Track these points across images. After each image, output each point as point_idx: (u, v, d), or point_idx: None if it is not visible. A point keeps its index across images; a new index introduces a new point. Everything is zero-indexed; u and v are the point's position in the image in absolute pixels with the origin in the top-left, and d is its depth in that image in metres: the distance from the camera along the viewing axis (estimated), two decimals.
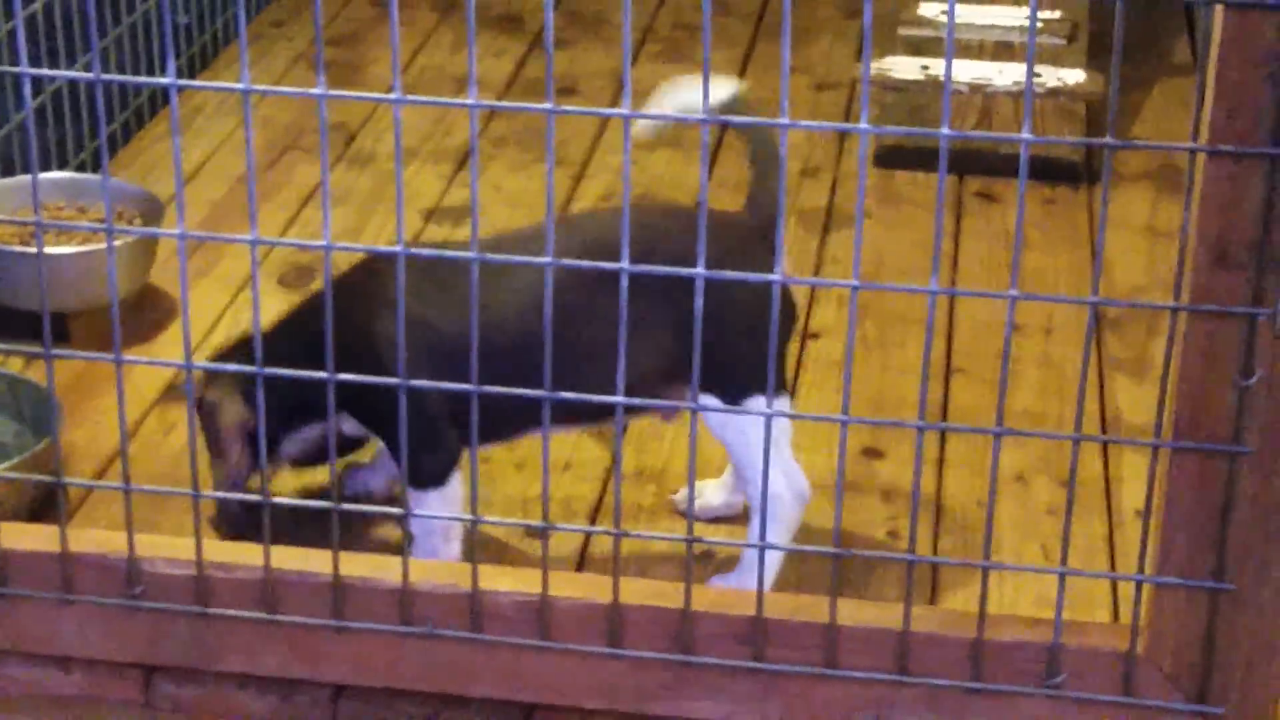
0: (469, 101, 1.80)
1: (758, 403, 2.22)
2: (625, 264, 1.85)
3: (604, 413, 2.18)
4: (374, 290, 2.27)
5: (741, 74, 3.88)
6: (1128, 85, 3.78)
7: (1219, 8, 1.70)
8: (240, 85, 1.83)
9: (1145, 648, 1.93)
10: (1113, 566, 2.44)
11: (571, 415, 2.22)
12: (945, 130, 1.75)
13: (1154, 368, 2.84)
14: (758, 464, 2.00)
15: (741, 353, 2.21)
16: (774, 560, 2.29)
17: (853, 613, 2.01)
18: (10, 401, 2.58)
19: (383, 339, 2.22)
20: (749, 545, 2.13)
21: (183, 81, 1.83)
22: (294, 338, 2.28)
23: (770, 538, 2.25)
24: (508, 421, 2.29)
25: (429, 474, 2.29)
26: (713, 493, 2.52)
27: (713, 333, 1.98)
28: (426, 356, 2.21)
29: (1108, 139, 1.72)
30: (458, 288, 2.22)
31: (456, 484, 2.30)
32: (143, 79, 1.85)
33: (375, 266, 2.32)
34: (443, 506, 2.29)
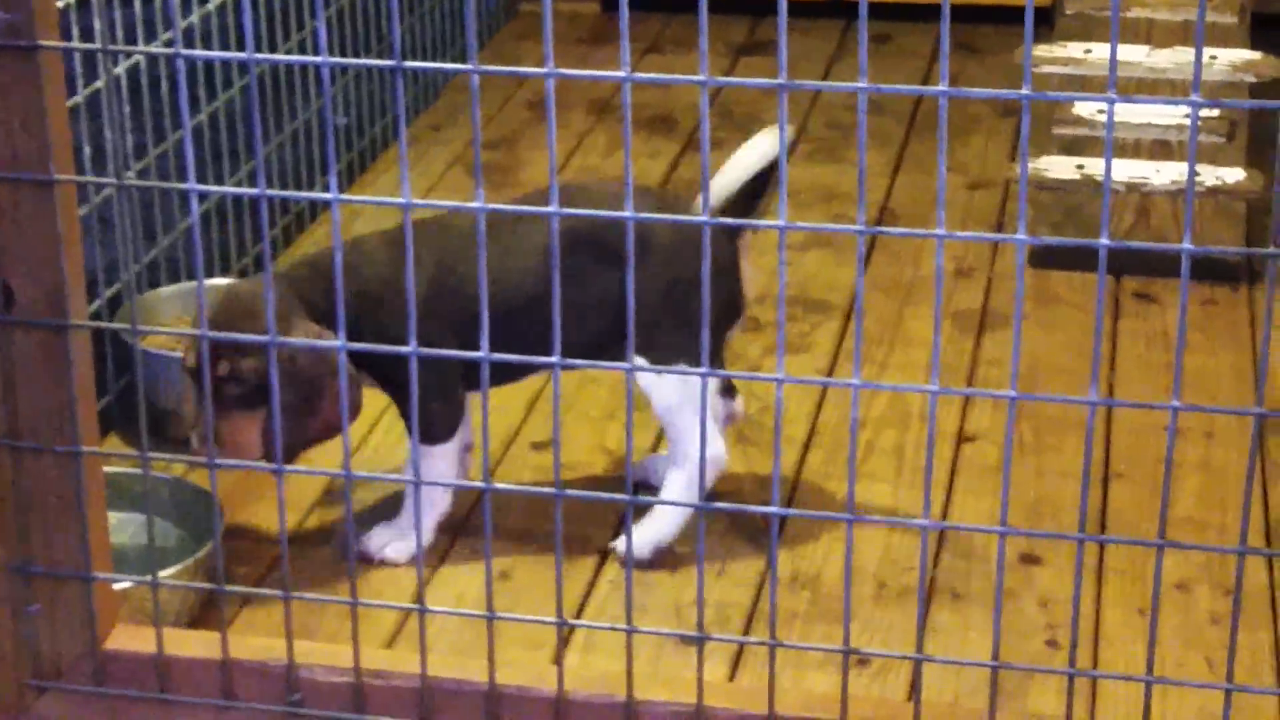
0: (627, 214, 1.82)
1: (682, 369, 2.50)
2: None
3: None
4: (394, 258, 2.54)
5: (895, 174, 3.88)
6: None
7: None
8: (401, 200, 1.86)
9: None
10: (1279, 679, 2.38)
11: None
12: (1105, 240, 1.74)
13: None
14: (678, 425, 2.56)
15: (672, 322, 2.50)
16: (682, 514, 2.64)
17: None
18: (171, 506, 2.62)
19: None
20: (910, 657, 2.11)
21: (344, 196, 1.86)
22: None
23: (684, 494, 2.59)
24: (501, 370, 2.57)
25: (440, 432, 2.57)
26: (662, 464, 2.74)
27: (651, 303, 2.46)
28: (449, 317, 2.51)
29: (1272, 248, 1.70)
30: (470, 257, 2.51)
31: (457, 438, 2.60)
32: (305, 194, 1.88)
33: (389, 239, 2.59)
34: (444, 460, 2.57)
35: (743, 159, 2.57)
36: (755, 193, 2.57)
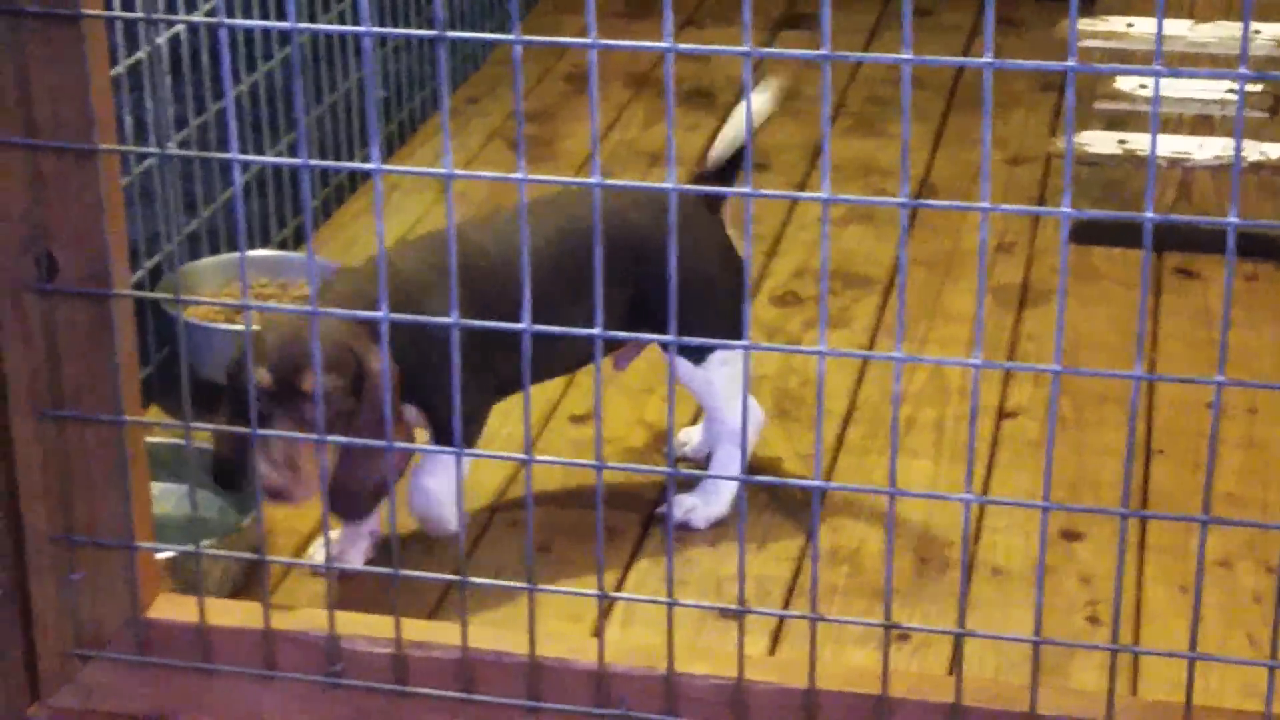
0: (668, 186, 1.81)
1: (718, 356, 2.55)
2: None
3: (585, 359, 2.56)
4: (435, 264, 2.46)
5: (935, 148, 3.87)
6: None
7: None
8: (443, 170, 1.86)
9: None
10: None
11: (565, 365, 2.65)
12: (1149, 214, 1.73)
13: None
14: (723, 404, 2.58)
15: (700, 313, 2.43)
16: (732, 486, 2.63)
17: (1053, 701, 1.97)
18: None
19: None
20: (951, 632, 2.10)
21: (386, 167, 1.85)
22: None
23: (734, 465, 2.61)
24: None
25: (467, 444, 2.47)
26: (694, 435, 2.79)
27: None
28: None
29: None
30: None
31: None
32: (347, 164, 1.88)
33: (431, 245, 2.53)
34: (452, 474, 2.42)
35: (730, 128, 2.59)
36: (735, 161, 2.56)
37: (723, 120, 3.98)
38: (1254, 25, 3.44)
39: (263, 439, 2.23)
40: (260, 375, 2.27)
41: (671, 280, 1.83)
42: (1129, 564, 2.55)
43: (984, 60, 1.71)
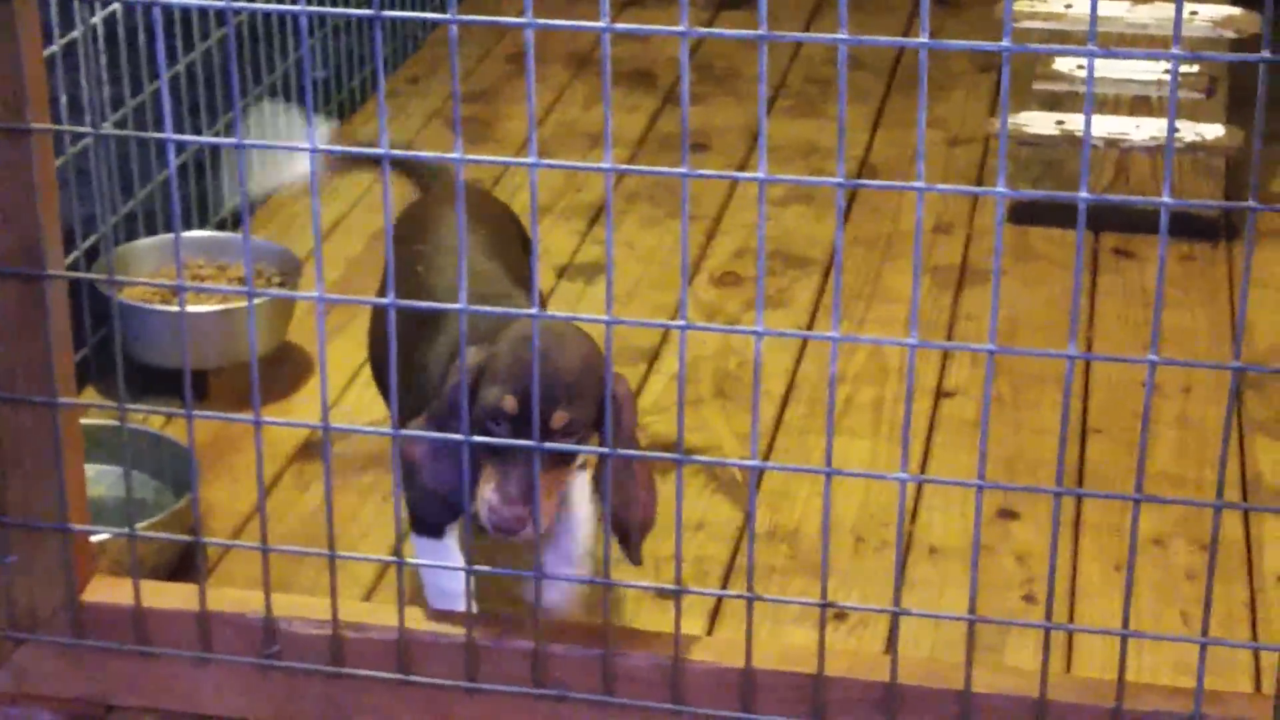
0: (604, 166, 1.81)
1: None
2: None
3: None
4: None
5: (874, 129, 3.87)
6: (1268, 139, 3.73)
7: None
8: (380, 150, 1.85)
9: None
10: (1254, 633, 2.39)
11: None
12: (1084, 194, 1.74)
13: None
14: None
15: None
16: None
17: (988, 679, 1.98)
18: (151, 459, 2.61)
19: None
20: (887, 610, 2.11)
21: (322, 147, 1.85)
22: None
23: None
24: None
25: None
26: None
27: None
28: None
29: (1250, 202, 1.70)
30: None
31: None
32: (283, 144, 1.87)
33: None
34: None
35: None
36: None
37: (663, 101, 3.99)
38: (1191, 6, 3.46)
39: (503, 470, 1.99)
40: (507, 401, 2.01)
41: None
42: (1065, 542, 2.56)
43: (920, 41, 1.71)
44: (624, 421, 2.05)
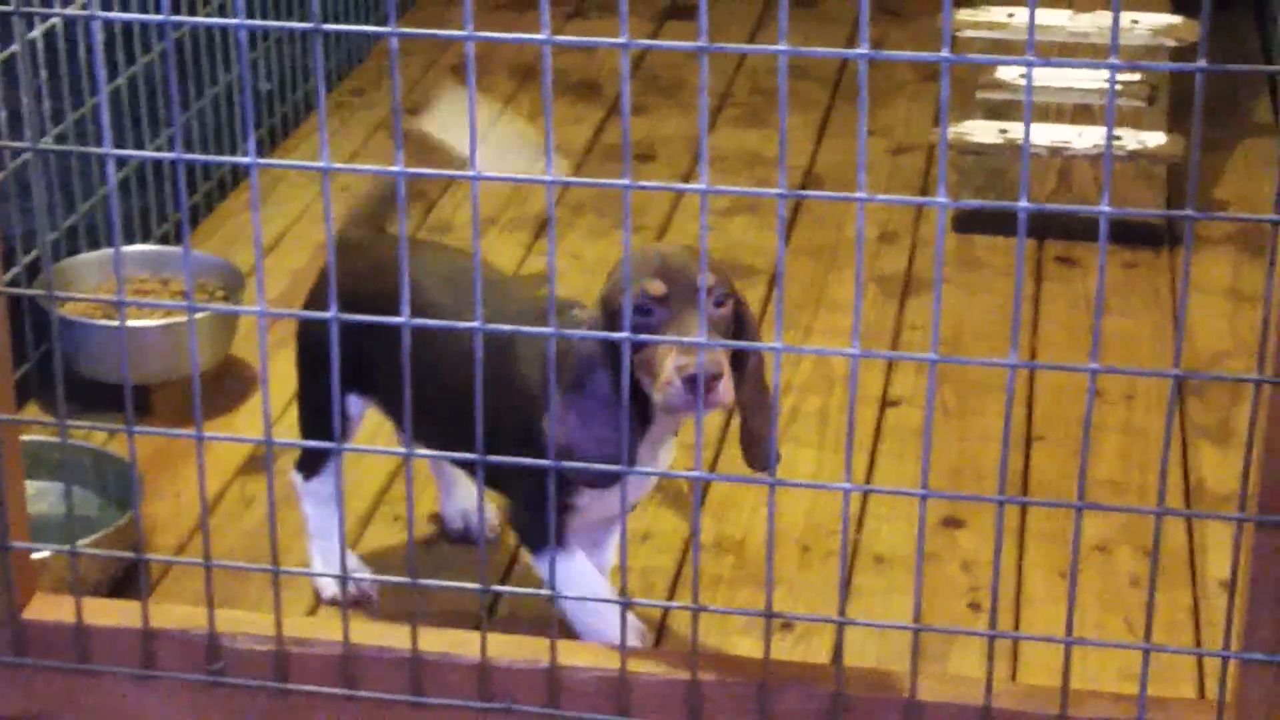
0: (547, 178, 1.81)
1: None
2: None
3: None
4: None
5: (819, 139, 3.88)
6: (1209, 146, 3.76)
7: None
8: (320, 164, 1.85)
9: None
10: (1198, 639, 2.40)
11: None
12: (1024, 203, 1.75)
13: (1238, 434, 2.81)
14: None
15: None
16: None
17: (934, 688, 1.99)
18: (94, 475, 2.60)
19: None
20: (832, 620, 2.11)
21: (263, 160, 1.84)
22: None
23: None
24: None
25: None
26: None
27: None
28: None
29: (1189, 211, 1.71)
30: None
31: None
32: (222, 158, 1.86)
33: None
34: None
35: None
36: None
37: (608, 112, 3.99)
38: (1132, 15, 3.48)
39: (694, 348, 1.97)
40: (651, 285, 2.02)
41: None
42: (1010, 550, 2.57)
43: (860, 52, 1.72)
44: (749, 322, 2.11)
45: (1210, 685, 2.28)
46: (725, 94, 4.08)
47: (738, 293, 2.10)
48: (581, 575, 2.20)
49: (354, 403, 2.38)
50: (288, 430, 2.84)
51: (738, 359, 2.07)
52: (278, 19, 3.85)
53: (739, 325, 2.11)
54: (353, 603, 2.39)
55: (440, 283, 2.31)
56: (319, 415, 2.36)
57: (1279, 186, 1.72)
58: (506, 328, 1.95)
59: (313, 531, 2.46)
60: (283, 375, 2.96)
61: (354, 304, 2.18)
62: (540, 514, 2.04)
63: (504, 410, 2.12)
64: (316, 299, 2.41)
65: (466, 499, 2.60)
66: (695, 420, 1.95)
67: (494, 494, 2.41)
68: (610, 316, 2.07)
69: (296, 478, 2.46)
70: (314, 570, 2.45)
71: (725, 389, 1.99)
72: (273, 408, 2.68)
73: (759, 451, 2.14)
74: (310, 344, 2.39)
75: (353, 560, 2.47)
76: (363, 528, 2.64)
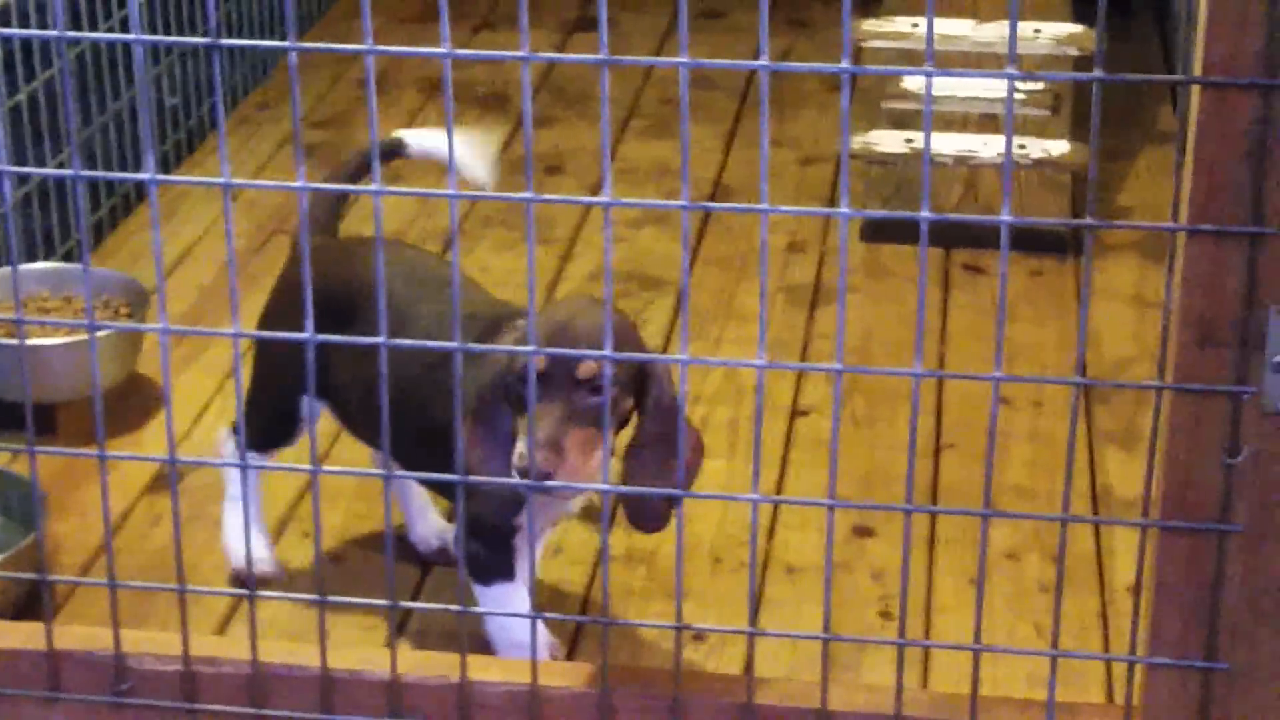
0: (450, 192, 1.80)
1: None
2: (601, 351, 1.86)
3: None
4: None
5: (727, 149, 3.89)
6: (1111, 155, 3.79)
7: (1197, 86, 1.70)
8: (220, 179, 1.83)
9: None
10: (1106, 643, 2.42)
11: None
12: (926, 213, 1.75)
13: (1143, 439, 2.84)
14: None
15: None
16: None
17: (845, 697, 1.99)
18: None
19: None
20: (743, 631, 2.11)
21: (161, 177, 1.82)
22: None
23: None
24: None
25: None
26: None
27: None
28: None
29: (1088, 219, 1.72)
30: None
31: None
32: (121, 175, 1.84)
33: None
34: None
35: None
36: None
37: (517, 124, 3.99)
38: (1035, 24, 3.50)
39: (534, 421, 2.01)
40: (537, 360, 2.01)
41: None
42: (920, 558, 2.58)
43: (761, 64, 1.72)
44: (660, 391, 2.13)
45: (1118, 690, 2.30)
46: (633, 105, 4.09)
47: (633, 370, 2.12)
48: (517, 607, 2.24)
49: (307, 404, 2.38)
50: (193, 448, 2.82)
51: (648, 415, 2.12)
52: (180, 34, 3.82)
53: (640, 391, 2.12)
54: (261, 582, 2.47)
55: (396, 279, 2.32)
56: (268, 410, 2.42)
57: (1175, 196, 1.74)
58: (477, 346, 1.99)
59: (232, 494, 2.49)
60: (189, 392, 2.95)
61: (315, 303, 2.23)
62: (488, 542, 2.16)
63: (447, 419, 2.13)
64: (277, 302, 2.45)
65: (438, 519, 2.61)
66: (603, 434, 1.94)
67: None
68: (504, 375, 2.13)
69: (228, 440, 2.47)
70: (227, 540, 2.50)
71: (567, 477, 2.03)
72: (178, 425, 2.67)
73: (637, 508, 2.16)
74: (267, 343, 2.39)
75: (265, 541, 2.51)
76: (274, 541, 2.62)
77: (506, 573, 2.25)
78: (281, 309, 2.41)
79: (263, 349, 2.47)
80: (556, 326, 2.12)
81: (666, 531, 2.64)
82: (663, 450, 2.13)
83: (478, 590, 2.26)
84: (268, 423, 2.43)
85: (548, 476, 2.02)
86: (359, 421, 2.39)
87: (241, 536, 2.46)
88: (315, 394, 2.33)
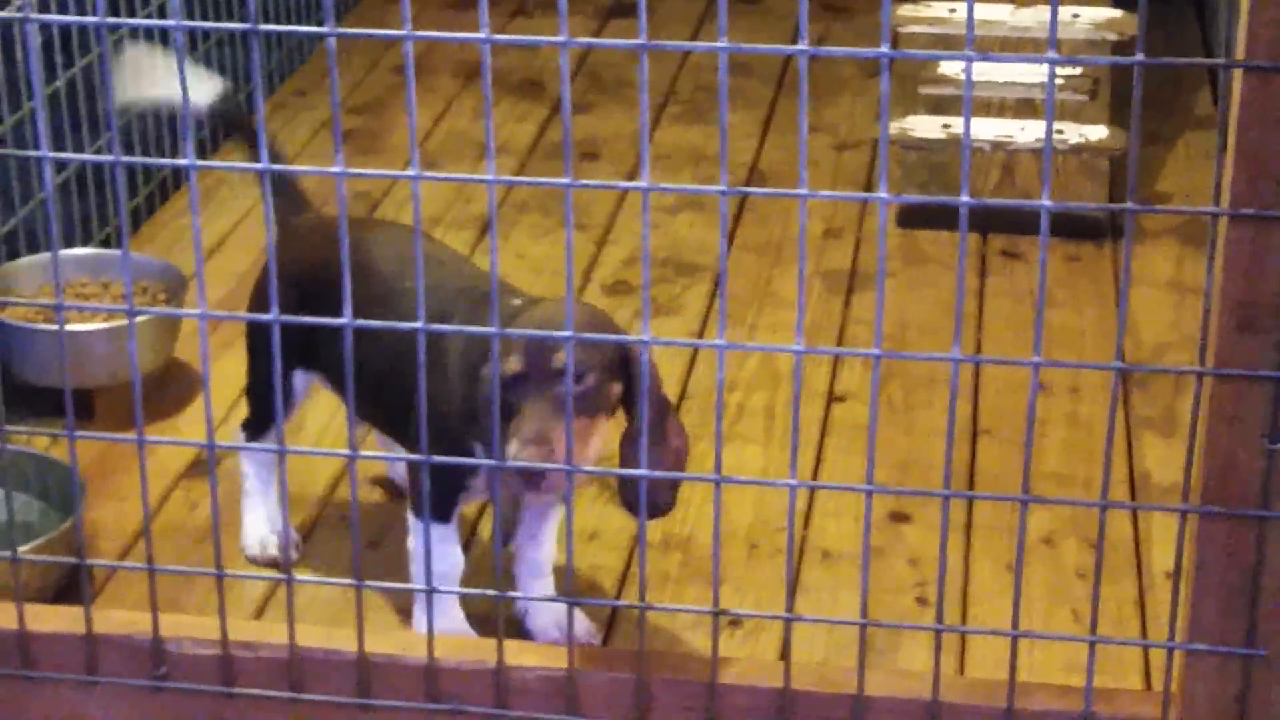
0: (488, 178, 1.80)
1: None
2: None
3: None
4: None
5: (764, 135, 3.88)
6: (1150, 139, 3.77)
7: (1238, 71, 1.70)
8: (260, 165, 1.84)
9: (1178, 716, 1.91)
10: (1144, 629, 2.41)
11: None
12: (965, 197, 1.75)
13: (1181, 425, 2.82)
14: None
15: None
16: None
17: (881, 683, 1.99)
18: (36, 481, 2.58)
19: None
20: (779, 617, 2.11)
21: (201, 163, 1.83)
22: None
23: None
24: None
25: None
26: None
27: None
28: None
29: (1129, 203, 1.71)
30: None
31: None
32: (161, 160, 1.85)
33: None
34: None
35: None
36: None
37: (553, 110, 3.99)
38: (1073, 9, 3.49)
39: (517, 421, 2.05)
40: (510, 363, 2.07)
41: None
42: (956, 544, 2.58)
43: (800, 48, 1.72)
44: (646, 376, 2.07)
45: (1156, 676, 2.29)
46: (669, 91, 4.08)
47: (614, 356, 2.12)
48: (442, 554, 2.26)
49: (299, 377, 2.45)
50: (231, 433, 2.82)
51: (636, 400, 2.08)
52: (218, 20, 3.82)
53: (627, 377, 2.13)
54: (271, 563, 2.52)
55: (387, 255, 2.36)
56: (265, 386, 2.45)
57: (1216, 180, 1.73)
58: (446, 327, 1.98)
59: (247, 489, 2.53)
60: (226, 377, 2.96)
61: (306, 280, 2.36)
62: (436, 486, 2.16)
63: (435, 389, 2.15)
64: (266, 279, 2.43)
65: None
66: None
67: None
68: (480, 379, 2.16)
69: (240, 436, 2.52)
70: (246, 537, 2.52)
71: (556, 480, 2.06)
72: (216, 410, 2.67)
73: (636, 494, 2.11)
74: (258, 322, 2.41)
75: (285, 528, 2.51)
76: (309, 530, 2.63)
77: (443, 516, 2.27)
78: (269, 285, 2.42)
79: (253, 326, 2.49)
80: (531, 327, 2.11)
81: (702, 517, 2.65)
82: (655, 436, 2.13)
83: (410, 520, 2.30)
84: (263, 400, 2.48)
85: (534, 473, 2.03)
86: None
87: (255, 532, 2.53)
88: (310, 367, 2.44)
